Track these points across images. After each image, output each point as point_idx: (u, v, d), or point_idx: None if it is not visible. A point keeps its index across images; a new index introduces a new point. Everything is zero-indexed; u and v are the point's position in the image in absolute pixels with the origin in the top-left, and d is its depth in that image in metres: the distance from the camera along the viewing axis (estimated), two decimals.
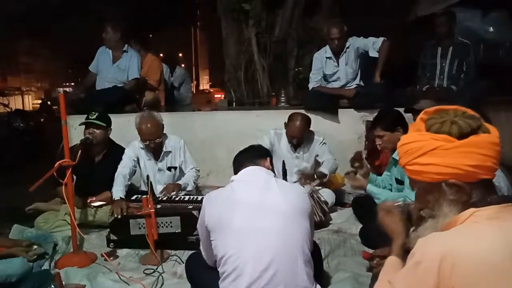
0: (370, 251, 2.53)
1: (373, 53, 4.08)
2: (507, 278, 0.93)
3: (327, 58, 4.19)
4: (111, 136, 3.34)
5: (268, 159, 1.98)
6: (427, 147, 1.08)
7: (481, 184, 1.07)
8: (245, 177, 1.85)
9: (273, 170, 1.97)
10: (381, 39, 4.04)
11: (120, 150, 3.28)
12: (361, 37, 4.13)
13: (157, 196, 3.01)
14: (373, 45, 4.06)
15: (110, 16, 6.48)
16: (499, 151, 1.07)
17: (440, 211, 1.10)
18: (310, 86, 4.25)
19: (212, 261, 1.90)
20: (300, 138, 3.46)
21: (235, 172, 1.94)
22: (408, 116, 3.21)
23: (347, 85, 4.23)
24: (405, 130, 2.73)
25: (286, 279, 1.66)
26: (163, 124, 3.22)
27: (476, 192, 1.06)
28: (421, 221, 1.16)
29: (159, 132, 3.17)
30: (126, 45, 4.42)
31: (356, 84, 4.22)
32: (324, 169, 3.42)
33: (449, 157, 1.05)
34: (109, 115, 3.34)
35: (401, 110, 3.05)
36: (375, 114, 3.03)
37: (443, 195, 1.09)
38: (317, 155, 3.56)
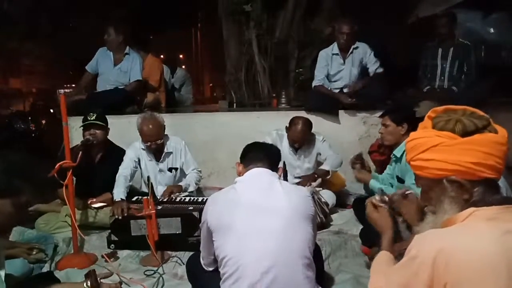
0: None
1: (370, 70, 4.15)
2: (500, 279, 0.93)
3: (333, 54, 4.18)
4: (111, 137, 3.35)
5: (281, 169, 1.98)
6: (430, 143, 1.09)
7: (483, 183, 1.06)
8: (249, 179, 1.84)
9: (285, 174, 1.96)
10: (379, 67, 4.10)
11: (119, 151, 3.28)
12: (370, 51, 4.14)
13: (158, 197, 3.01)
14: (373, 64, 4.12)
15: (111, 18, 6.48)
16: (505, 151, 1.06)
17: (441, 207, 1.10)
18: (314, 83, 4.25)
19: (209, 261, 1.90)
20: (302, 142, 3.45)
21: (241, 160, 1.94)
22: None
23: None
24: (411, 129, 2.73)
25: (287, 283, 1.66)
26: (164, 125, 3.23)
27: (478, 190, 1.06)
28: (423, 217, 1.17)
29: (160, 133, 3.17)
30: (127, 47, 4.37)
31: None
32: (326, 166, 3.40)
33: (450, 154, 1.06)
34: (110, 116, 3.34)
35: None
36: (376, 115, 3.04)
37: (445, 191, 1.09)
38: (319, 154, 3.54)
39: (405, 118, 2.76)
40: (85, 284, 1.54)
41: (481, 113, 1.11)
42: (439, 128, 1.10)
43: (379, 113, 3.07)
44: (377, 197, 1.59)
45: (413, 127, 2.73)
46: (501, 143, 1.06)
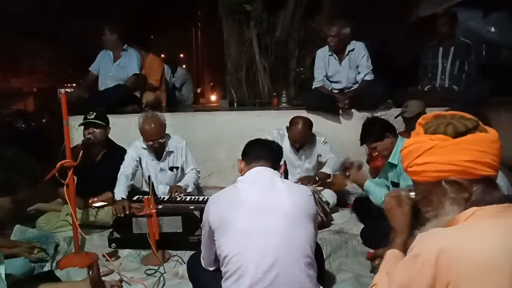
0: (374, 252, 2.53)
1: (358, 78, 4.10)
2: (503, 277, 0.93)
3: (329, 55, 4.17)
4: (112, 137, 3.35)
5: (283, 166, 1.98)
6: (424, 147, 1.10)
7: (482, 182, 1.07)
8: (251, 178, 1.84)
9: (286, 173, 1.95)
10: (369, 73, 4.03)
11: (120, 150, 3.29)
12: (365, 53, 4.05)
13: (159, 196, 3.01)
14: (364, 68, 4.05)
15: (112, 17, 6.49)
16: (498, 149, 1.07)
17: (442, 210, 1.11)
18: (314, 85, 4.25)
19: (210, 261, 1.90)
20: (302, 141, 3.45)
21: (242, 157, 1.94)
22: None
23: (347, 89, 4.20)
24: (394, 135, 2.72)
25: (289, 281, 1.66)
26: (165, 124, 3.23)
27: (478, 189, 1.07)
28: (426, 222, 1.17)
29: (162, 132, 3.18)
30: (125, 45, 4.49)
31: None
32: (327, 169, 3.40)
33: (445, 155, 1.07)
34: (111, 115, 3.34)
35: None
36: (377, 114, 3.04)
37: (444, 193, 1.09)
38: (319, 155, 3.54)
39: (382, 130, 2.74)
40: (88, 273, 1.54)
41: (470, 116, 1.13)
42: (431, 132, 1.12)
43: (380, 112, 3.08)
44: (408, 192, 1.39)
45: (394, 131, 2.74)
46: (494, 141, 1.07)
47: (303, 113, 3.75)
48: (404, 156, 1.17)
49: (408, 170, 1.16)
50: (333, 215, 3.33)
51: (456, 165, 1.06)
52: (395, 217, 1.39)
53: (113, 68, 4.46)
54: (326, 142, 3.54)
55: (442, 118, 1.13)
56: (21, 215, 3.13)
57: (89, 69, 4.58)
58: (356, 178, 2.87)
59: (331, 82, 4.24)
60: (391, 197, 1.41)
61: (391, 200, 1.41)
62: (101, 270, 1.64)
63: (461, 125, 1.08)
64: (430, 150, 1.08)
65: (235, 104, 5.30)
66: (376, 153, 2.81)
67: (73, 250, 2.71)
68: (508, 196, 1.12)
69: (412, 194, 1.33)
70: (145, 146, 3.24)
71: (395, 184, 2.75)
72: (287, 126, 3.47)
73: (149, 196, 2.57)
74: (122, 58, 4.47)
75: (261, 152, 1.91)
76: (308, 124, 3.42)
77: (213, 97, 11.94)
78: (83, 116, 3.26)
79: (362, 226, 3.00)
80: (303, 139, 3.42)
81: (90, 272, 1.53)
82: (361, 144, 2.91)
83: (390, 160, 2.74)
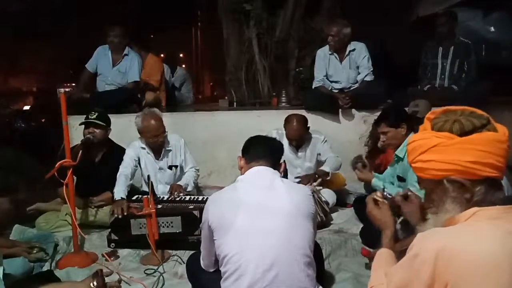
0: (371, 250, 2.52)
1: (358, 78, 4.10)
2: (502, 278, 0.93)
3: (330, 54, 4.17)
4: (112, 136, 3.35)
5: (283, 164, 1.97)
6: (429, 144, 1.09)
7: (485, 182, 1.06)
8: (250, 177, 1.83)
9: (285, 172, 1.93)
10: (369, 74, 4.04)
11: (120, 150, 3.28)
12: (365, 54, 4.07)
13: (159, 196, 3.01)
14: (364, 68, 4.06)
15: (112, 17, 6.48)
16: (506, 150, 1.05)
17: (443, 208, 1.10)
18: (314, 85, 4.25)
19: (210, 262, 1.89)
20: (298, 139, 3.44)
21: (243, 155, 1.93)
22: None
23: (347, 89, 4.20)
24: (410, 127, 2.72)
25: (288, 280, 1.66)
26: (163, 120, 3.22)
27: (480, 190, 1.06)
28: (424, 218, 1.17)
29: (162, 127, 3.18)
30: (127, 48, 4.41)
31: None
32: (326, 167, 3.40)
33: (448, 153, 1.06)
34: (109, 115, 3.34)
35: None
36: (376, 114, 3.03)
37: (446, 192, 1.09)
38: (319, 154, 3.54)
39: (401, 118, 2.74)
40: (91, 284, 1.52)
41: (481, 112, 1.11)
42: (437, 129, 1.10)
43: (379, 112, 3.07)
44: (378, 193, 1.56)
45: (410, 124, 2.73)
46: (501, 141, 1.05)
47: (303, 113, 3.74)
48: (409, 151, 1.17)
49: (412, 166, 1.16)
50: (332, 214, 3.33)
51: (459, 165, 1.05)
52: (377, 217, 1.49)
53: (112, 72, 4.38)
54: (326, 141, 3.54)
55: (451, 114, 1.11)
56: (20, 215, 3.14)
57: (86, 66, 4.48)
58: (363, 176, 2.87)
59: (331, 82, 4.25)
60: (369, 201, 1.53)
61: (370, 203, 1.52)
62: (105, 271, 1.63)
63: (468, 123, 1.07)
64: (435, 147, 1.08)
65: (235, 104, 5.29)
66: (385, 139, 2.79)
67: (73, 250, 2.71)
68: (510, 198, 1.12)
69: (387, 193, 1.52)
70: (143, 146, 3.23)
71: (401, 179, 2.73)
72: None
73: (149, 196, 2.57)
74: (123, 62, 4.37)
75: (262, 151, 1.89)
76: (302, 121, 3.41)
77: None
78: (82, 116, 3.26)
79: (361, 225, 2.99)
80: (299, 136, 3.41)
81: (95, 282, 1.51)
82: (375, 126, 2.91)
83: (397, 152, 2.73)
